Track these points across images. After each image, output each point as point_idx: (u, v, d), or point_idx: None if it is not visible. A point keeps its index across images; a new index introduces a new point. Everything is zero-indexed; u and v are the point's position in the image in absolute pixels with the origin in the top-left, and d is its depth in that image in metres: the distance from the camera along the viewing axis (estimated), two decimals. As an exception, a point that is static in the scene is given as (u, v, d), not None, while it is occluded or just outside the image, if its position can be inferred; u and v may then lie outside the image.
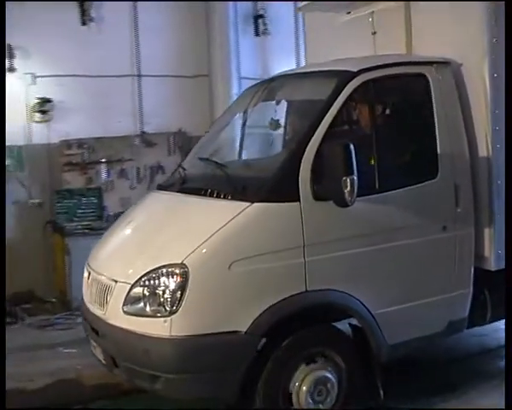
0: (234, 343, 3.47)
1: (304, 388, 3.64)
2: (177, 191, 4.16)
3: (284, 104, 4.65)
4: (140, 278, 3.53)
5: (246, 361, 3.50)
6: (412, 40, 4.65)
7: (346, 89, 3.83)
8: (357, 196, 3.64)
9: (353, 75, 3.90)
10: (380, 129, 3.98)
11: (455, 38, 4.24)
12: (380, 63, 4.04)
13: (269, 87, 4.60)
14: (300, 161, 3.63)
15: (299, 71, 4.51)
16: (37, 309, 7.10)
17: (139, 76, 7.99)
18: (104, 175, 7.68)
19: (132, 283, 3.56)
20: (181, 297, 3.41)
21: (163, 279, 3.47)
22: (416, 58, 4.35)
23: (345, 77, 3.91)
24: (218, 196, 3.78)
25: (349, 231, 3.75)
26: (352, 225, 3.77)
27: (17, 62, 7.34)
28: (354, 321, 3.90)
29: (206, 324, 3.45)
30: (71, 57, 7.50)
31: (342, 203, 3.53)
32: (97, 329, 3.87)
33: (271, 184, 3.66)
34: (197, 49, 8.17)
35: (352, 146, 3.47)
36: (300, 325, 3.65)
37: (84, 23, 7.64)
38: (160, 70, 7.96)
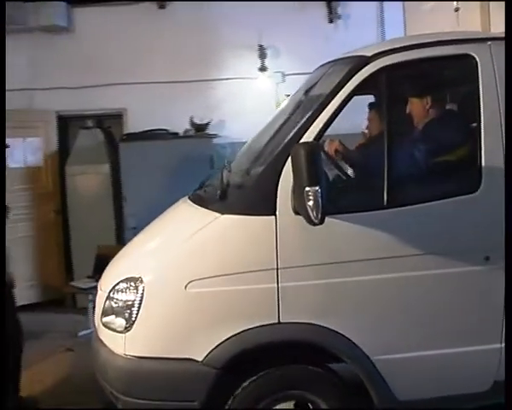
0: (187, 373, 3.06)
1: None
2: (188, 198, 3.85)
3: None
4: (111, 290, 3.34)
5: (201, 394, 3.06)
6: (490, 17, 3.66)
7: (353, 79, 3.12)
8: (358, 210, 3.03)
9: (366, 61, 3.16)
10: (398, 128, 3.16)
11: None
12: (407, 44, 3.21)
13: (310, 79, 4.00)
14: (283, 167, 3.05)
15: (333, 59, 3.81)
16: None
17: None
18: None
19: (107, 293, 3.38)
20: (136, 314, 3.13)
21: (124, 293, 3.22)
22: (462, 35, 3.36)
23: (356, 64, 3.18)
24: (203, 206, 3.39)
25: (340, 255, 3.04)
26: (345, 247, 3.05)
27: (268, 62, 7.63)
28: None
29: (159, 346, 3.10)
30: (318, 55, 7.40)
31: (308, 220, 2.86)
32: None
33: (245, 194, 3.14)
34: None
35: (317, 149, 2.79)
36: (271, 363, 3.08)
37: (331, 21, 7.73)
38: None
